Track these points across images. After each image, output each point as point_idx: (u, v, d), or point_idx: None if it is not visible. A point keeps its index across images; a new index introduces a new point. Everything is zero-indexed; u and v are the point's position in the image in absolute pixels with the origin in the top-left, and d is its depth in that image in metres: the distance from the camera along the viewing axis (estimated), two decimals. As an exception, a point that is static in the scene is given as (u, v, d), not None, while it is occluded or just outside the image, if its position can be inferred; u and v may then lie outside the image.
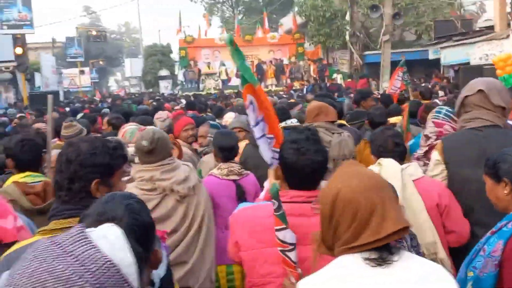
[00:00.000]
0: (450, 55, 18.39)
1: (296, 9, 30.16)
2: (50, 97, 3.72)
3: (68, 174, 1.81)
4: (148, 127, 3.54)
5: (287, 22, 33.29)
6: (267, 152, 2.39)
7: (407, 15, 24.55)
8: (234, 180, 3.81)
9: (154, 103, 14.14)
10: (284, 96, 15.23)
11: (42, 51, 41.88)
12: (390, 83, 8.16)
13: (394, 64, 20.45)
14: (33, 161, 3.24)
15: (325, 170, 2.08)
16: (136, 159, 3.26)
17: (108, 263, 1.00)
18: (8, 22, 22.26)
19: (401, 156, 2.92)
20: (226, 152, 3.87)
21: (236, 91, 22.13)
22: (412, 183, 2.80)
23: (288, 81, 26.92)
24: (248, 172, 3.93)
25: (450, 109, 3.63)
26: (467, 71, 14.63)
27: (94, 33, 46.96)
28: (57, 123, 5.68)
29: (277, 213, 1.99)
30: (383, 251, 1.46)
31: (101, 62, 53.63)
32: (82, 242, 1.01)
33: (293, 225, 1.97)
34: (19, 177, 3.16)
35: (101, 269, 0.98)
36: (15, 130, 7.62)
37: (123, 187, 2.02)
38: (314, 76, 25.62)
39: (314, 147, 2.05)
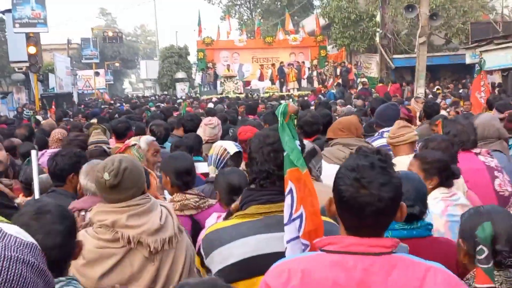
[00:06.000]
0: (491, 59, 17.08)
1: (319, 10, 29.12)
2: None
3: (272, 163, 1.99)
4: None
5: (309, 24, 32.20)
6: None
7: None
8: (190, 216, 3.02)
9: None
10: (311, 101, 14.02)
11: (57, 52, 41.29)
12: (474, 92, 6.87)
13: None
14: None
15: (396, 210, 1.53)
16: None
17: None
18: (21, 20, 21.38)
19: None
20: (184, 178, 3.11)
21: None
22: None
23: (315, 84, 25.72)
24: (213, 202, 3.08)
25: None
26: (518, 76, 13.45)
27: (110, 34, 46.38)
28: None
29: (485, 266, 1.72)
30: None
31: (116, 64, 53.01)
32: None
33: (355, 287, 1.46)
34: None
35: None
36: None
37: None
38: (338, 81, 24.42)
39: (382, 178, 1.49)
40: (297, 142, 1.86)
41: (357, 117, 4.70)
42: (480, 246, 1.77)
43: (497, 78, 17.45)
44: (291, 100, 16.88)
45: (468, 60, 20.24)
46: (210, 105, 15.00)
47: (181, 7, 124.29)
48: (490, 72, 18.82)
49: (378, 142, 4.31)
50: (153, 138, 3.92)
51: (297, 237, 1.82)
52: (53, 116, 11.93)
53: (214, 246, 1.94)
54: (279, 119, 1.87)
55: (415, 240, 2.11)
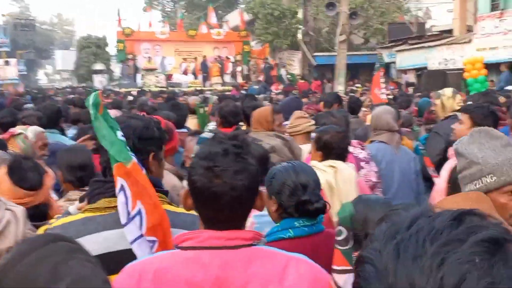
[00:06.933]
0: (406, 59, 17.77)
1: (243, 5, 28.99)
2: None
3: None
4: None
5: (233, 18, 31.97)
6: None
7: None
8: None
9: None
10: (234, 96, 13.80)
11: (-38, 38, 38.14)
12: (373, 88, 7.03)
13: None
14: None
15: (253, 199, 1.44)
16: None
17: None
18: None
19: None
20: (78, 173, 2.87)
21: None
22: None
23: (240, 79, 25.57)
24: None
25: None
26: (430, 75, 14.02)
27: (22, 21, 43.58)
28: None
29: (343, 248, 1.70)
30: None
31: (29, 54, 49.87)
32: None
33: (212, 284, 1.34)
34: None
35: None
36: None
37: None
38: (260, 79, 24.42)
39: (235, 165, 1.38)
40: (119, 133, 1.69)
41: (270, 109, 4.46)
42: (339, 227, 1.73)
43: (411, 77, 18.20)
44: (210, 94, 16.58)
45: (386, 60, 21.00)
46: (130, 98, 14.36)
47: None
48: (405, 71, 19.62)
49: None
50: (42, 129, 3.48)
51: (141, 235, 1.69)
52: None
53: None
54: (90, 111, 1.66)
55: (316, 236, 2.02)
